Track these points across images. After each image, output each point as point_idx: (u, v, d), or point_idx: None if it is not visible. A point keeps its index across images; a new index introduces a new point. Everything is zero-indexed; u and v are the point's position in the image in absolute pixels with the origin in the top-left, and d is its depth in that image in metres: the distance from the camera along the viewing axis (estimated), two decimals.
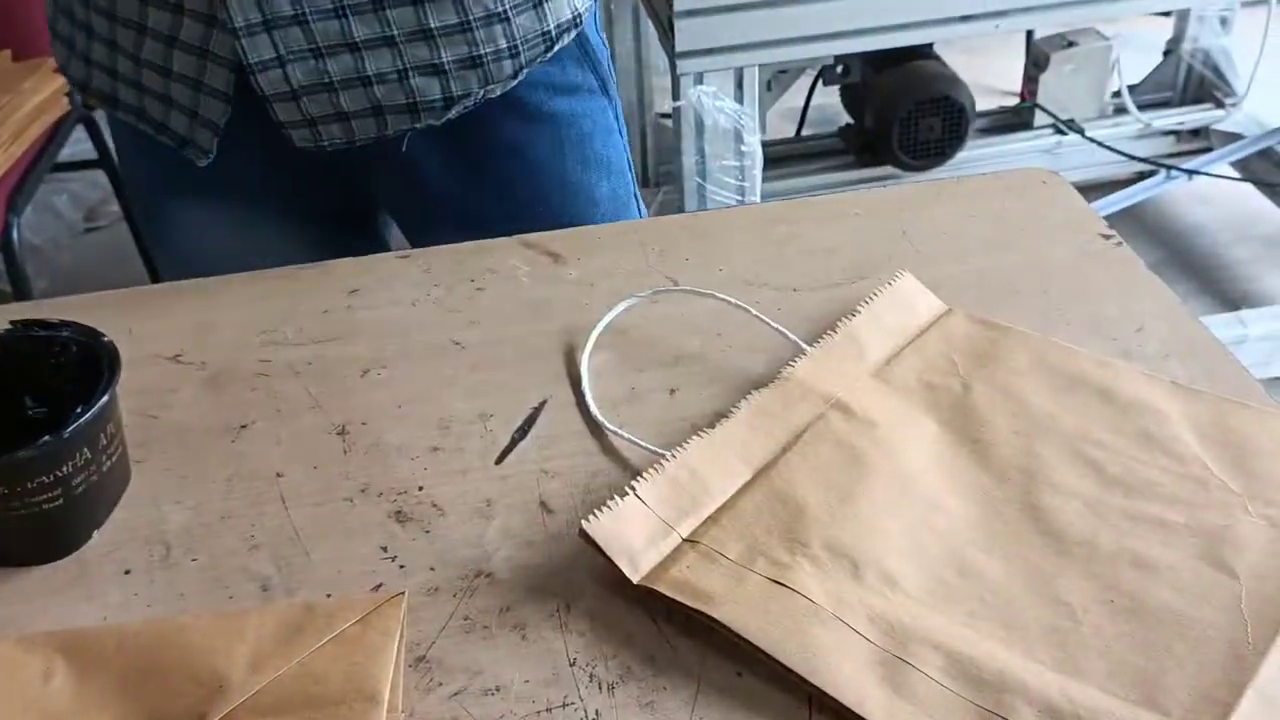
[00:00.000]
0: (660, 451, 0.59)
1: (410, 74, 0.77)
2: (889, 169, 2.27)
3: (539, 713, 0.48)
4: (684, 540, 0.54)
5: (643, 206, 0.99)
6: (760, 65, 1.75)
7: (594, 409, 0.63)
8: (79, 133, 2.01)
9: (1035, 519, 0.55)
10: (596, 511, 0.53)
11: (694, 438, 0.58)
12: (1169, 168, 2.34)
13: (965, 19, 1.69)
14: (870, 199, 0.82)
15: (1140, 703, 0.46)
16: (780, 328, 0.67)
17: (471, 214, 0.87)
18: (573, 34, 0.85)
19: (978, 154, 2.33)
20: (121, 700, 0.49)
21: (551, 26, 0.82)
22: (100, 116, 2.23)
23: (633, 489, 0.55)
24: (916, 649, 0.48)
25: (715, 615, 0.50)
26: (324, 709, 0.48)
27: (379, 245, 0.98)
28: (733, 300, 0.69)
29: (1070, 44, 2.35)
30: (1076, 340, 0.66)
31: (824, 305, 0.71)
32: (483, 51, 0.79)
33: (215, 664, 0.50)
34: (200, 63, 0.77)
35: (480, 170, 0.87)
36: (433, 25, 0.76)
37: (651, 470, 0.56)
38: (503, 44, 0.79)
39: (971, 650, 0.48)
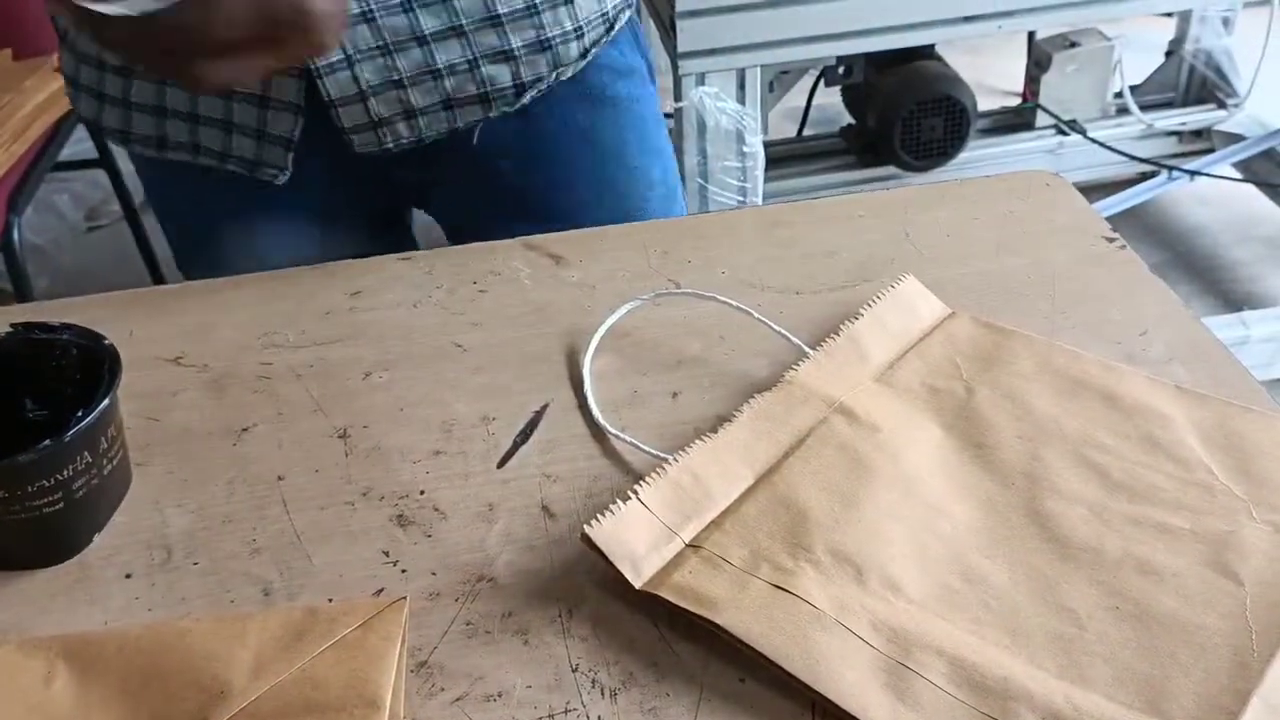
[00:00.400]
0: (663, 455, 0.59)
1: (481, 63, 0.78)
2: (891, 169, 2.27)
3: (540, 719, 0.48)
4: (687, 545, 0.54)
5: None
6: (762, 66, 1.75)
7: (596, 412, 0.63)
8: (80, 132, 2.01)
9: (1040, 524, 0.54)
10: (599, 516, 0.53)
11: (696, 442, 0.58)
12: (1171, 168, 2.33)
13: (968, 19, 1.69)
14: (872, 201, 0.82)
15: (1145, 710, 0.46)
16: (783, 331, 0.67)
17: (535, 203, 0.88)
18: (627, 15, 0.86)
19: (980, 154, 2.33)
20: (123, 704, 0.49)
21: (609, 7, 0.83)
22: None
23: (635, 493, 0.55)
24: (920, 655, 0.48)
25: (718, 621, 0.49)
26: (325, 715, 0.48)
27: (412, 245, 0.99)
28: (735, 303, 0.68)
29: (1072, 44, 2.35)
30: (1080, 344, 0.65)
31: (826, 308, 0.71)
32: (550, 34, 0.79)
33: (216, 669, 0.50)
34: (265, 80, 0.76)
35: (549, 158, 0.87)
36: (500, 11, 0.77)
37: (654, 474, 0.56)
38: (568, 25, 0.80)
39: (976, 657, 0.48)
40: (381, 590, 0.54)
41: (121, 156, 2.00)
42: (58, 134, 1.88)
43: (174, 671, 0.50)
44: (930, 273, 0.72)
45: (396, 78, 0.77)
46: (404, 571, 0.55)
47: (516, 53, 0.79)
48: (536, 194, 0.88)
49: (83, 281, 2.44)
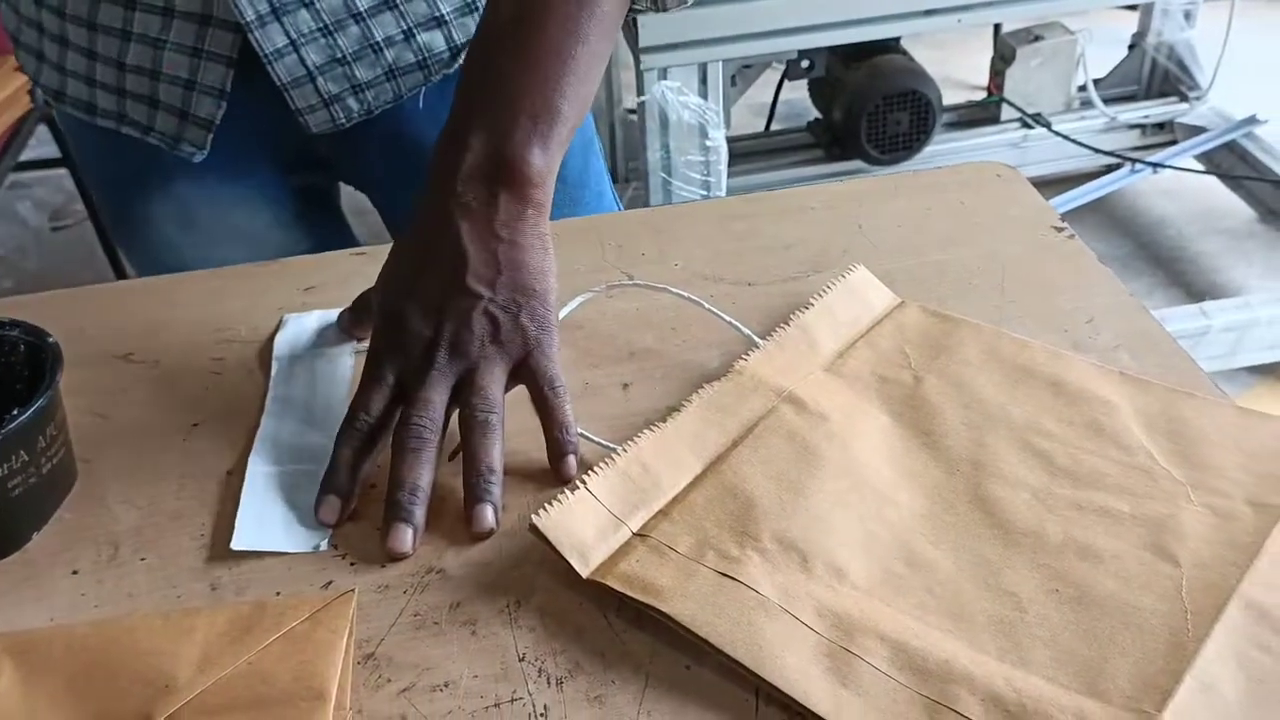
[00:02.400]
0: (613, 447, 0.59)
1: (415, 31, 0.81)
2: (857, 163, 2.28)
3: (487, 708, 0.48)
4: (634, 534, 0.54)
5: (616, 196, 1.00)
6: (724, 60, 1.76)
7: None
8: (43, 133, 1.99)
9: (985, 510, 0.55)
10: (546, 506, 0.54)
11: (645, 431, 0.58)
12: (1134, 161, 2.36)
13: (928, 13, 1.70)
14: (827, 193, 0.83)
15: (1083, 691, 0.46)
16: (733, 321, 0.67)
17: None
18: None
19: (945, 148, 2.34)
20: (70, 701, 0.49)
21: None
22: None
23: (583, 483, 0.55)
24: (863, 640, 0.49)
25: (664, 609, 0.50)
26: (272, 708, 0.48)
27: (341, 221, 1.03)
28: (686, 294, 0.69)
29: (1037, 38, 2.36)
30: (1029, 332, 0.66)
31: (779, 299, 0.71)
32: None
33: (162, 664, 0.50)
34: (194, 62, 0.79)
35: None
36: None
37: (602, 465, 0.56)
38: None
39: (918, 641, 0.48)
40: (330, 583, 0.54)
41: None
42: (19, 133, 1.86)
43: (120, 668, 0.50)
44: (883, 263, 0.72)
45: (340, 55, 0.80)
46: (353, 565, 0.55)
47: (447, 17, 0.82)
48: None
49: (48, 283, 2.42)
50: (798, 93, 2.54)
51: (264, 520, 0.57)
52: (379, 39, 0.80)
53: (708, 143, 1.66)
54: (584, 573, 0.52)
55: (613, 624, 0.51)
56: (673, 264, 0.75)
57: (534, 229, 0.62)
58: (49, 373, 0.57)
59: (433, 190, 0.62)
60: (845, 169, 2.28)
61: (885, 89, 2.15)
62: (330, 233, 1.00)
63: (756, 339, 0.66)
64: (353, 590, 0.52)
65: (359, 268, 0.77)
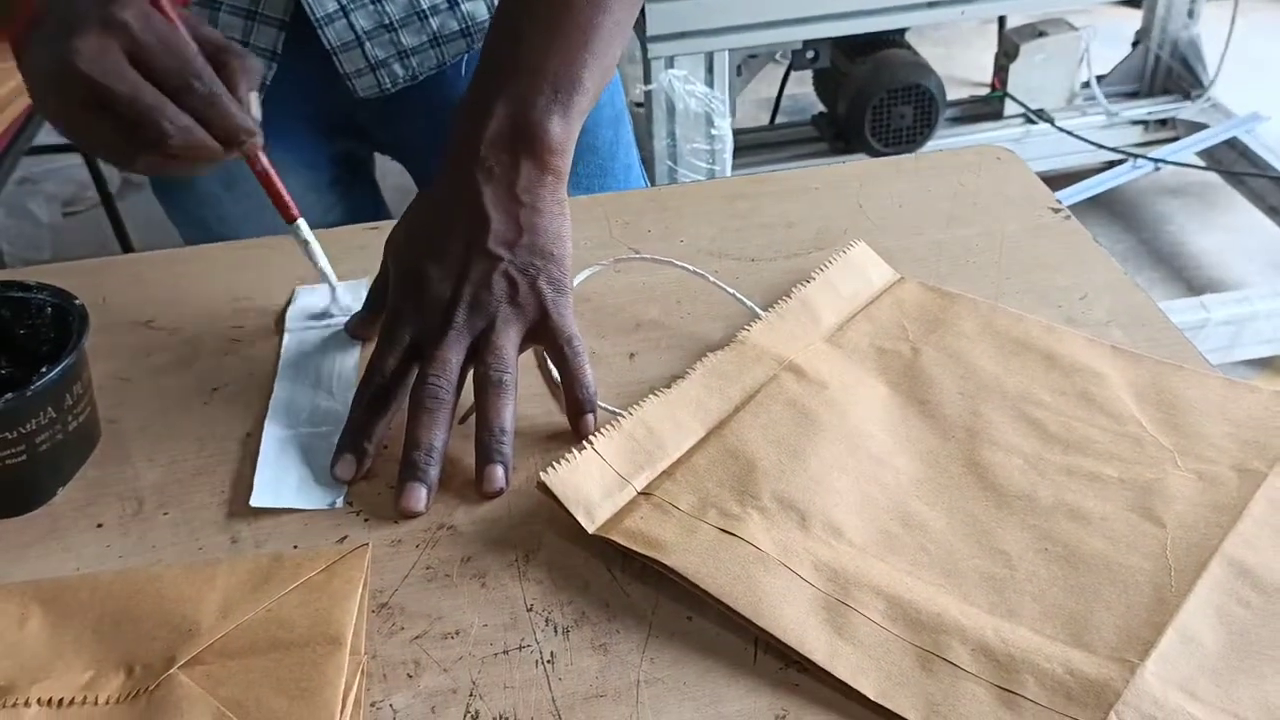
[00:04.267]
0: (618, 412, 0.61)
1: (460, 0, 0.85)
2: (861, 157, 2.30)
3: (496, 655, 0.50)
4: (639, 493, 0.56)
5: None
6: (730, 50, 1.77)
7: (555, 371, 0.65)
8: None
9: (978, 475, 0.57)
10: (554, 464, 0.55)
11: (650, 396, 0.60)
12: (1136, 157, 2.37)
13: (932, 5, 1.72)
14: (829, 174, 0.85)
15: (1069, 642, 0.48)
16: (736, 294, 0.69)
17: None
18: None
19: (948, 142, 2.36)
20: (96, 643, 0.51)
21: None
22: None
23: (590, 444, 0.57)
24: (858, 594, 0.50)
25: (667, 562, 0.52)
26: (290, 651, 0.50)
27: (375, 189, 1.07)
28: (691, 268, 0.71)
29: (1041, 34, 2.38)
30: (1025, 308, 0.68)
31: (781, 275, 0.73)
32: None
33: (185, 610, 0.52)
34: (248, 24, 0.84)
35: None
36: None
37: (609, 427, 0.58)
38: None
39: (911, 595, 0.50)
40: (345, 538, 0.56)
41: None
42: (31, 119, 1.88)
43: (144, 613, 0.52)
44: (884, 242, 0.74)
45: (387, 21, 0.84)
46: (367, 520, 0.57)
47: None
48: None
49: None
50: (801, 88, 2.56)
51: (281, 480, 0.59)
52: (425, 6, 0.84)
53: (713, 131, 1.68)
54: (590, 528, 0.54)
55: (617, 578, 0.53)
56: (678, 240, 0.77)
57: (553, 195, 0.64)
58: (76, 333, 0.59)
59: (455, 155, 0.64)
60: (851, 161, 2.29)
61: (889, 82, 2.17)
62: (363, 200, 1.03)
63: (759, 311, 0.68)
64: (367, 544, 0.54)
65: (371, 240, 0.79)
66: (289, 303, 0.72)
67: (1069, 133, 2.38)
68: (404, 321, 0.62)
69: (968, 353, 0.64)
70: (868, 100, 2.18)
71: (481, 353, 0.60)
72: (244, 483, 0.60)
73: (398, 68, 0.86)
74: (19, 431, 0.56)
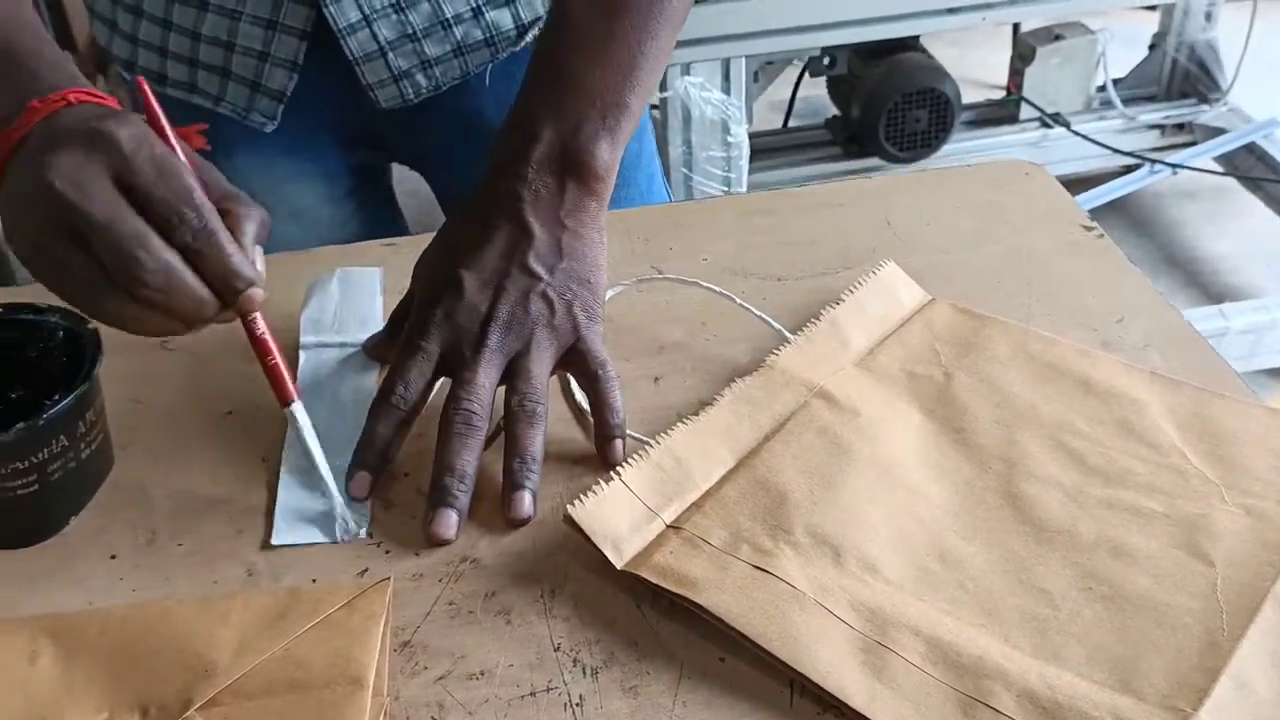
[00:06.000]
0: (644, 439, 0.60)
1: (484, 9, 0.84)
2: (875, 160, 2.28)
3: (522, 697, 0.49)
4: (668, 526, 0.54)
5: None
6: (747, 56, 1.76)
7: (579, 396, 0.64)
8: None
9: (1016, 508, 0.55)
10: (581, 497, 0.54)
11: (678, 425, 0.59)
12: (1153, 162, 2.35)
13: (952, 11, 1.70)
14: (853, 190, 0.83)
15: (1117, 688, 0.46)
16: (764, 316, 0.67)
17: None
18: None
19: (964, 146, 2.34)
20: (107, 682, 0.49)
21: None
22: None
23: (617, 474, 0.55)
24: (897, 635, 0.49)
25: (699, 601, 0.50)
26: (309, 693, 0.48)
27: (391, 200, 1.05)
28: (717, 289, 0.69)
29: (1057, 37, 2.36)
30: (1058, 330, 0.66)
31: (808, 295, 0.71)
32: None
33: (199, 648, 0.50)
34: (269, 34, 0.82)
35: None
36: None
37: (636, 456, 0.57)
38: None
39: (951, 636, 0.49)
40: (365, 571, 0.55)
41: None
42: None
43: (157, 650, 0.50)
44: (911, 260, 0.72)
45: (410, 31, 0.82)
46: (388, 553, 0.56)
47: None
48: None
49: None
50: (814, 90, 2.54)
51: (301, 513, 0.57)
52: (449, 16, 0.82)
53: (729, 139, 1.66)
54: (618, 564, 0.53)
55: (646, 615, 0.52)
56: (700, 258, 0.75)
57: (594, 222, 0.63)
58: (89, 359, 0.57)
59: (499, 174, 0.63)
60: (863, 166, 2.28)
61: (905, 86, 2.15)
62: (380, 211, 1.02)
63: (787, 334, 0.66)
64: (388, 578, 0.53)
65: (388, 257, 0.77)
66: (304, 303, 0.71)
67: (1085, 137, 2.36)
68: (433, 330, 0.61)
69: (1001, 378, 0.63)
70: (882, 104, 2.16)
71: (515, 379, 0.59)
72: (260, 512, 0.58)
73: (420, 78, 0.85)
74: (30, 461, 0.55)
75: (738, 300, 0.68)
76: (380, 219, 1.04)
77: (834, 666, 0.48)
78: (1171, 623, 0.49)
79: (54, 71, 0.56)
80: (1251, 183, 2.38)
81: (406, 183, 1.09)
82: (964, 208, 0.79)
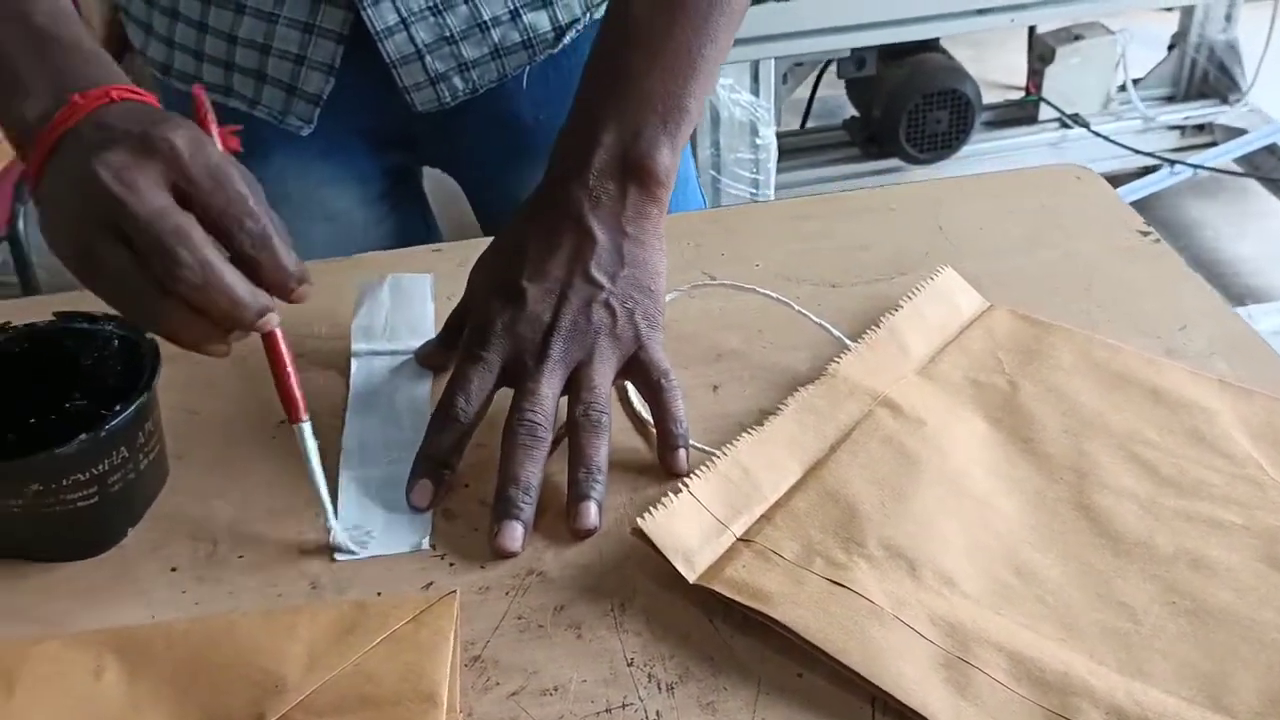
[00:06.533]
0: (707, 449, 0.59)
1: (522, 11, 0.82)
2: (895, 161, 2.27)
3: (599, 713, 0.48)
4: (738, 539, 0.54)
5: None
6: (776, 58, 1.75)
7: (638, 405, 0.63)
8: None
9: (1090, 520, 0.54)
10: (651, 509, 0.53)
11: (743, 435, 0.58)
12: (1173, 162, 2.34)
13: (981, 12, 1.69)
14: (901, 194, 0.82)
15: (1208, 705, 0.46)
16: (824, 324, 0.67)
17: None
18: None
19: (983, 147, 2.33)
20: (173, 697, 0.49)
21: None
22: None
23: (685, 486, 0.55)
24: (979, 650, 0.48)
25: (775, 616, 0.49)
26: (381, 709, 0.47)
27: (423, 203, 1.04)
28: (775, 296, 0.68)
29: (1077, 38, 2.35)
30: (1120, 338, 0.65)
31: (863, 301, 0.70)
32: None
33: (267, 663, 0.49)
34: (305, 37, 0.80)
35: (571, 92, 0.89)
36: None
37: (703, 468, 0.56)
38: None
39: (1034, 652, 0.48)
40: (431, 584, 0.54)
41: None
42: None
43: (223, 665, 0.50)
44: (965, 266, 0.71)
45: (448, 34, 0.81)
46: (452, 565, 0.55)
47: None
48: (555, 128, 0.90)
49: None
50: (827, 90, 2.52)
51: (362, 526, 0.57)
52: (486, 18, 0.81)
53: (758, 140, 1.65)
54: (690, 578, 0.52)
55: (719, 629, 0.51)
56: (752, 264, 0.75)
57: (655, 228, 0.62)
58: (148, 368, 0.56)
59: (559, 180, 0.63)
60: (883, 167, 2.27)
61: (925, 87, 2.14)
62: (412, 214, 1.01)
63: (847, 341, 0.65)
64: (455, 591, 0.52)
65: (435, 263, 0.76)
66: (355, 310, 0.70)
67: (1105, 138, 2.35)
68: (494, 340, 0.60)
69: (1067, 387, 0.62)
70: (903, 105, 2.15)
71: (579, 389, 0.58)
72: (318, 524, 0.57)
73: (458, 80, 0.84)
74: (91, 473, 0.54)
75: (796, 307, 0.68)
76: (412, 222, 1.04)
77: (917, 683, 0.47)
78: (1259, 638, 0.48)
79: (94, 65, 0.55)
80: (1273, 184, 2.37)
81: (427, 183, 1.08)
82: (1016, 212, 0.78)
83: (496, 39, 0.83)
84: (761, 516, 0.55)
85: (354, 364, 0.67)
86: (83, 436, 0.52)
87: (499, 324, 0.60)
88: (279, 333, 0.56)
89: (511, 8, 0.82)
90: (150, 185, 0.50)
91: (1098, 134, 2.36)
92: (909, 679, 0.47)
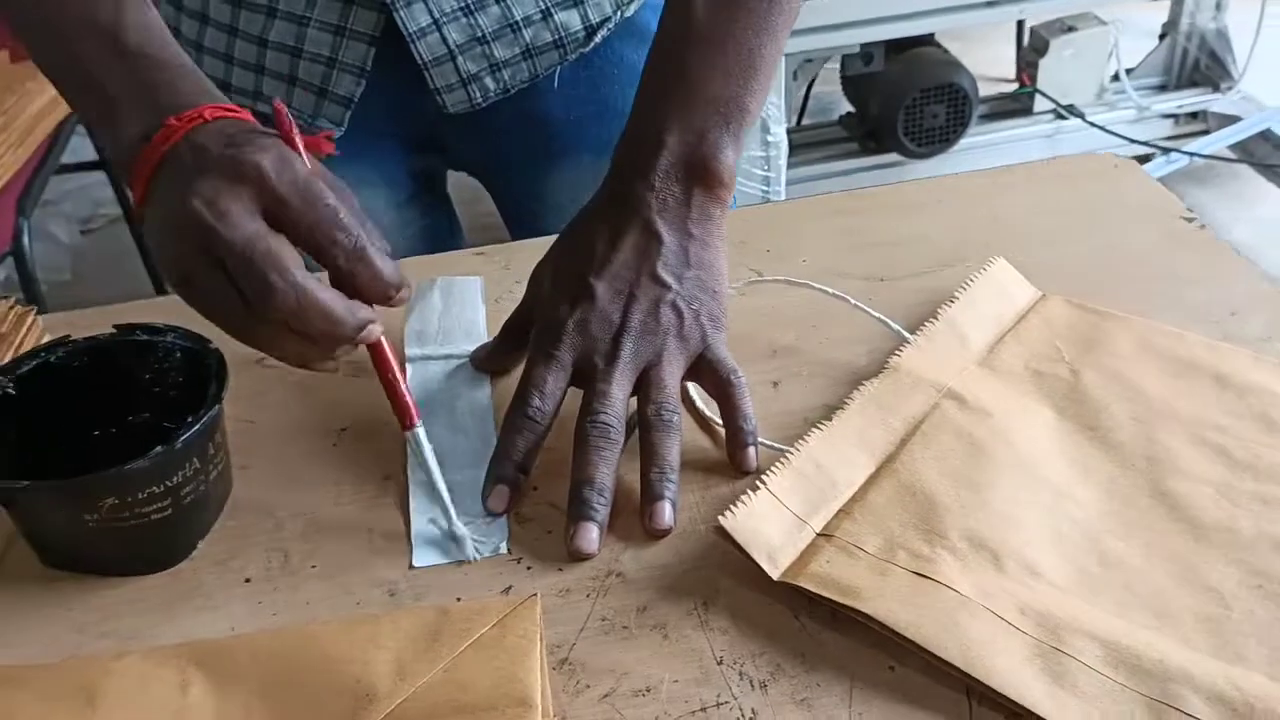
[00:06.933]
0: (773, 445, 0.59)
1: (553, 11, 0.82)
2: (893, 156, 2.28)
3: (694, 712, 0.48)
4: (818, 534, 0.53)
5: None
6: (788, 54, 1.75)
7: (700, 404, 0.63)
8: (79, 135, 1.98)
9: (1167, 506, 0.54)
10: (732, 508, 0.53)
11: (814, 431, 0.58)
12: (1168, 150, 2.35)
13: (990, 4, 1.69)
14: (940, 187, 0.82)
15: None
16: (883, 318, 0.66)
17: (585, 137, 0.90)
18: None
19: (979, 140, 2.34)
20: (264, 709, 0.48)
21: None
22: None
23: (763, 483, 0.54)
24: (1071, 639, 0.48)
25: (866, 610, 0.49)
26: (476, 715, 0.47)
27: (449, 206, 1.04)
28: (833, 291, 0.68)
29: (1070, 29, 2.35)
30: (1174, 324, 0.65)
31: (913, 294, 0.70)
32: None
33: (356, 672, 0.49)
34: (336, 40, 0.80)
35: (600, 93, 0.89)
36: None
37: (779, 464, 0.56)
38: None
39: (1128, 640, 0.48)
40: (509, 588, 0.54)
41: None
42: (60, 136, 1.85)
43: (312, 675, 0.49)
44: (1011, 257, 0.71)
45: (480, 34, 0.80)
46: (529, 569, 0.55)
47: None
48: (586, 127, 0.90)
49: (79, 289, 2.41)
50: (820, 87, 2.53)
51: (438, 533, 0.56)
52: (518, 18, 0.81)
53: (769, 138, 1.65)
54: (774, 574, 0.52)
55: (805, 625, 0.51)
56: (799, 260, 0.74)
57: (719, 230, 0.62)
58: (215, 378, 0.56)
59: (625, 180, 0.63)
60: (882, 162, 2.28)
61: (923, 81, 2.15)
62: (439, 217, 1.01)
63: (906, 334, 0.65)
64: (535, 594, 0.52)
65: (479, 267, 0.76)
66: (406, 315, 0.70)
67: (1100, 127, 2.36)
68: (565, 340, 0.60)
69: (1130, 374, 0.62)
70: (901, 100, 2.16)
71: (649, 389, 0.58)
72: (391, 531, 0.57)
73: (489, 81, 0.83)
74: (166, 485, 0.53)
75: (853, 301, 0.67)
76: (439, 226, 1.03)
77: (1013, 673, 0.47)
78: None
79: (188, 81, 0.56)
80: (1267, 169, 2.39)
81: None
82: (1058, 202, 0.79)
83: (528, 39, 0.82)
84: (839, 511, 0.55)
85: (409, 369, 0.67)
86: (159, 449, 0.52)
87: (570, 323, 0.60)
88: (384, 341, 0.56)
89: (543, 7, 0.82)
90: (241, 212, 0.51)
91: (1093, 124, 2.37)
92: (1005, 670, 0.47)
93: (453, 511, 0.56)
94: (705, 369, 0.60)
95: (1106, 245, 0.74)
